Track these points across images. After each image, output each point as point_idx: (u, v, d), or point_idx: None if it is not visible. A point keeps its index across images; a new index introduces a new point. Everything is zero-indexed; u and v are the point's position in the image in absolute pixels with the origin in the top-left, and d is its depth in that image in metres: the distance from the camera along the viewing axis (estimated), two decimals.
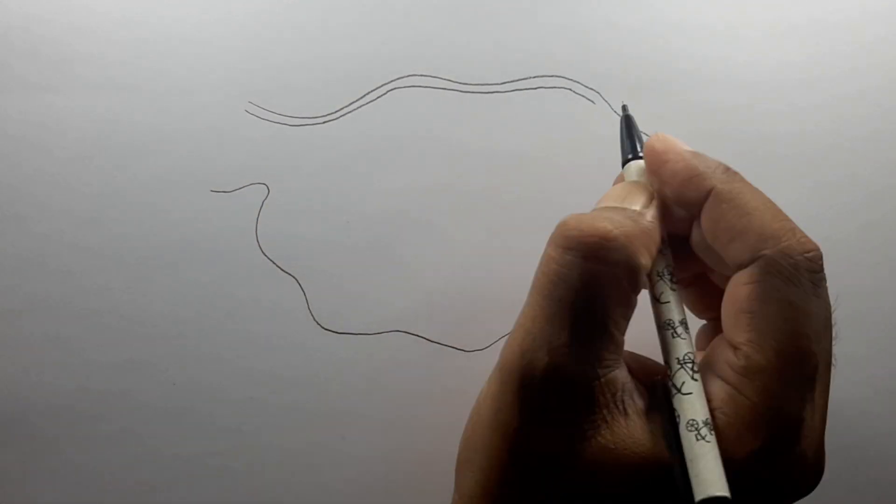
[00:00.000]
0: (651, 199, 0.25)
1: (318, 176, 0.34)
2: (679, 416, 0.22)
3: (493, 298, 0.35)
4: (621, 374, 0.23)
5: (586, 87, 0.35)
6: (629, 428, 0.22)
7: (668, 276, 0.25)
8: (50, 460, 0.34)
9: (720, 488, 0.21)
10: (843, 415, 0.36)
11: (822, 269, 0.23)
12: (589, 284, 0.22)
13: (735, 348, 0.23)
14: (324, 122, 0.34)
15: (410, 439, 0.34)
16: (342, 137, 0.34)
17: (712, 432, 0.22)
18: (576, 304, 0.22)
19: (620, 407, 0.22)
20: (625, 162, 0.28)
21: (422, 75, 0.35)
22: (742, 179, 0.24)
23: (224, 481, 0.34)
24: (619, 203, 0.25)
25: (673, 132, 0.35)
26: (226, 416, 0.34)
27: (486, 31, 0.35)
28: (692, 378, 0.23)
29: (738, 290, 0.23)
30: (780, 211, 0.24)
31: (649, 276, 0.25)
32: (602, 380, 0.22)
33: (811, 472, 0.24)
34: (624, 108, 0.29)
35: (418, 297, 0.35)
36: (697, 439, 0.22)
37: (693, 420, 0.22)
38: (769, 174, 0.35)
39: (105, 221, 0.34)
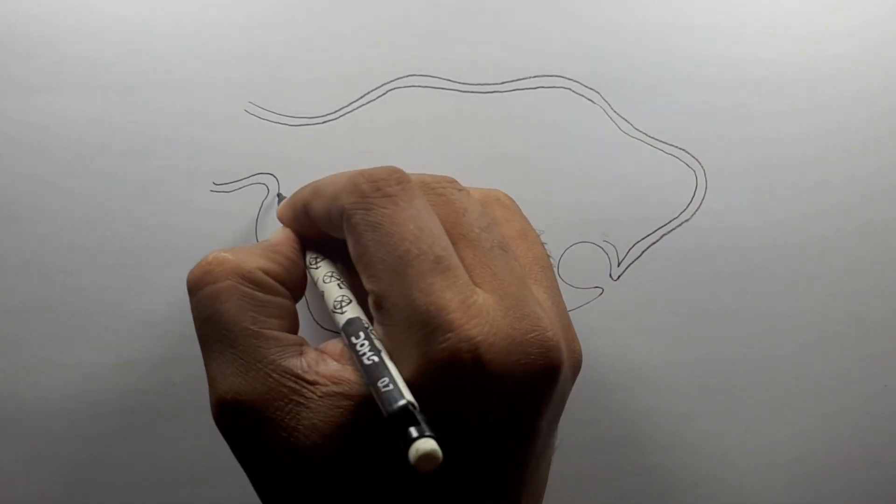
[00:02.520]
0: (282, 229, 0.29)
1: (318, 176, 0.34)
2: (352, 343, 0.23)
3: None
4: (297, 359, 0.24)
5: (586, 86, 0.35)
6: (323, 394, 0.23)
7: (315, 258, 0.27)
8: (49, 460, 0.34)
9: (403, 397, 0.21)
10: (843, 415, 0.36)
11: (397, 182, 0.24)
12: (206, 308, 0.24)
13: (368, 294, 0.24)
14: (324, 122, 0.34)
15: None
16: (342, 137, 0.34)
17: (381, 348, 0.23)
18: (210, 331, 0.24)
19: (311, 379, 0.23)
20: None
21: (422, 75, 0.35)
22: (325, 177, 0.27)
23: (224, 481, 0.34)
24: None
25: (673, 132, 0.35)
26: None
27: (485, 31, 0.35)
28: (342, 310, 0.25)
29: (349, 249, 0.24)
30: (352, 171, 0.25)
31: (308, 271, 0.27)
32: (275, 375, 0.23)
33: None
34: (279, 195, 0.34)
35: None
36: (368, 359, 0.22)
37: (356, 335, 0.23)
38: (769, 174, 0.35)
39: (104, 221, 0.34)
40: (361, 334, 0.23)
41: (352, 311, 0.25)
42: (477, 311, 0.22)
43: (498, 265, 0.24)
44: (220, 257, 0.25)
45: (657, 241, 0.35)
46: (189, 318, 0.34)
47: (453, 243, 0.24)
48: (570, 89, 0.35)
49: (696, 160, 0.35)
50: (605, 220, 0.35)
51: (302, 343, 0.25)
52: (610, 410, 0.35)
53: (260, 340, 0.24)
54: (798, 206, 0.35)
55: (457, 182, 0.26)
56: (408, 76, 0.35)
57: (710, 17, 0.35)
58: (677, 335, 0.35)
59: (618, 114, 0.35)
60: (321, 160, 0.34)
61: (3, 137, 0.33)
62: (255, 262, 0.25)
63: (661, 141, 0.35)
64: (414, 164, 0.35)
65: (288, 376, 0.23)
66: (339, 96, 0.34)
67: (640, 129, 0.35)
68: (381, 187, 0.24)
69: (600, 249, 0.35)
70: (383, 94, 0.35)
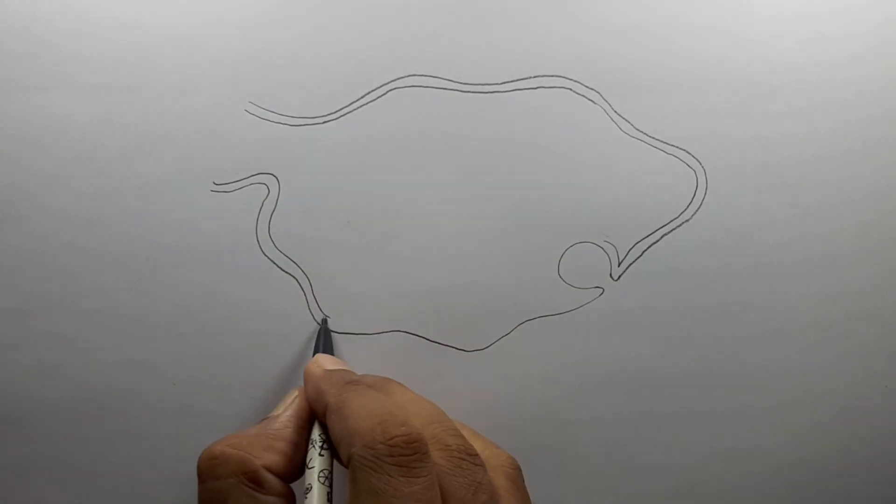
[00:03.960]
0: (292, 400, 0.29)
1: (319, 176, 0.34)
2: None
3: (494, 298, 0.35)
4: None
5: (586, 86, 0.35)
6: None
7: (319, 445, 0.27)
8: (50, 460, 0.34)
9: None
10: (843, 415, 0.36)
11: (413, 451, 0.24)
12: (210, 500, 0.26)
13: None
14: (324, 122, 0.34)
15: None
16: (342, 137, 0.34)
17: None
18: None
19: None
20: None
21: (422, 75, 0.35)
22: (355, 390, 0.27)
23: None
24: (272, 413, 0.29)
25: (673, 132, 0.35)
26: (226, 416, 0.34)
27: (486, 31, 0.35)
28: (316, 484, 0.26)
29: (346, 492, 0.24)
30: (384, 407, 0.25)
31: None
32: None
33: None
34: (323, 321, 0.34)
35: (418, 297, 0.35)
36: None
37: None
38: (769, 174, 0.35)
39: (105, 221, 0.34)
40: None
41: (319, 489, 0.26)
42: None
43: None
44: (227, 454, 0.26)
45: (657, 241, 0.35)
46: (188, 317, 0.34)
47: None
48: (570, 89, 0.35)
49: (697, 160, 0.35)
50: (605, 220, 0.35)
51: None
52: (610, 410, 0.35)
53: None
54: (798, 206, 0.35)
55: (477, 455, 0.26)
56: (408, 76, 0.35)
57: (711, 17, 0.35)
58: (677, 335, 0.35)
59: (618, 114, 0.35)
60: (321, 160, 0.34)
61: (3, 137, 0.33)
62: (260, 457, 0.26)
63: (661, 141, 0.35)
64: (414, 163, 0.35)
65: None
66: (339, 96, 0.34)
67: (641, 130, 0.35)
68: (395, 454, 0.24)
69: (600, 249, 0.35)
70: (383, 94, 0.35)
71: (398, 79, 0.35)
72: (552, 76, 0.35)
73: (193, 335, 0.34)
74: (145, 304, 0.34)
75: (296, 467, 0.27)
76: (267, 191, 0.34)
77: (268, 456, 0.26)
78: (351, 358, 0.34)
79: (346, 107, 0.35)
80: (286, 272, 0.34)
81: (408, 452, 0.24)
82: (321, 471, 0.26)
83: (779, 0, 0.36)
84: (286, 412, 0.29)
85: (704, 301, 0.35)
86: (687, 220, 0.35)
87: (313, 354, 0.32)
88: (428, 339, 0.35)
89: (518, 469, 0.28)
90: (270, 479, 0.26)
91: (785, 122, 0.35)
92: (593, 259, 0.35)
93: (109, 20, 0.34)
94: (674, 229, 0.35)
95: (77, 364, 0.34)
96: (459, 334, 0.35)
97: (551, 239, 0.35)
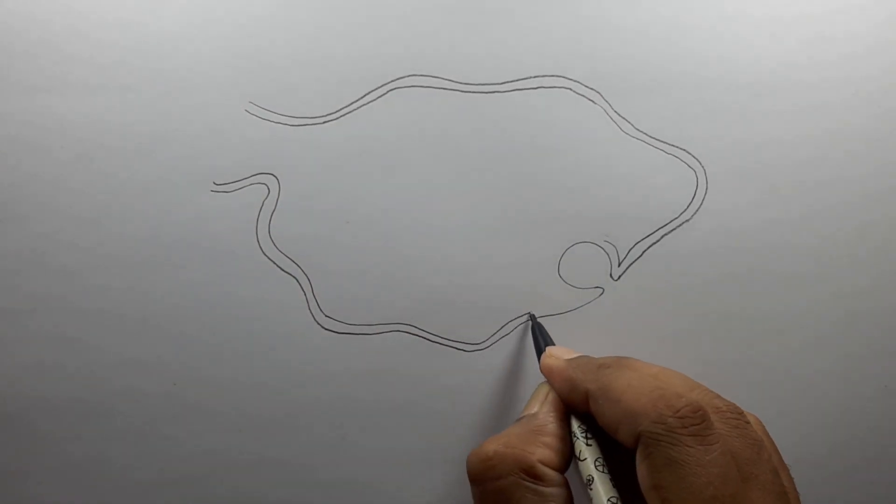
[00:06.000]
0: (545, 396, 0.29)
1: (319, 176, 0.35)
2: None
3: (494, 297, 0.35)
4: None
5: (586, 86, 0.35)
6: None
7: (583, 436, 0.28)
8: (50, 459, 0.34)
9: None
10: (843, 415, 0.36)
11: (701, 419, 0.24)
12: (492, 501, 0.26)
13: None
14: (324, 122, 0.34)
15: (411, 438, 0.34)
16: (342, 137, 0.34)
17: None
18: None
19: None
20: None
21: (422, 75, 0.35)
22: (618, 368, 0.27)
23: (224, 481, 0.34)
24: (525, 412, 0.29)
25: (673, 132, 0.35)
26: (226, 415, 0.34)
27: (486, 31, 0.35)
28: None
29: (639, 470, 0.24)
30: (650, 382, 0.26)
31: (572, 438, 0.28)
32: None
33: None
34: (531, 316, 0.34)
35: (419, 297, 0.35)
36: None
37: None
38: (769, 174, 0.35)
39: (105, 221, 0.34)
40: None
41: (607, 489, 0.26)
42: None
43: None
44: (502, 453, 0.26)
45: (658, 241, 0.35)
46: (189, 317, 0.34)
47: (743, 481, 0.24)
48: (570, 89, 0.35)
49: (697, 160, 0.35)
50: (605, 220, 0.35)
51: None
52: None
53: None
54: (798, 206, 0.35)
55: (744, 413, 0.26)
56: (408, 76, 0.35)
57: (711, 17, 0.35)
58: (677, 335, 0.35)
59: (618, 114, 0.35)
60: (321, 160, 0.34)
61: (3, 137, 0.33)
62: (533, 453, 0.26)
63: (661, 141, 0.35)
64: (414, 163, 0.35)
65: None
66: (339, 96, 0.34)
67: (641, 130, 0.35)
68: (687, 425, 0.24)
69: (601, 249, 0.35)
70: (384, 94, 0.35)
71: (398, 79, 0.35)
72: (552, 76, 0.35)
73: (193, 335, 0.34)
74: (145, 304, 0.34)
75: (565, 459, 0.27)
76: (267, 191, 0.34)
77: (540, 451, 0.27)
78: (351, 358, 0.34)
79: (346, 107, 0.35)
80: (286, 272, 0.34)
81: (697, 421, 0.24)
82: (595, 459, 0.27)
83: (779, 0, 0.36)
84: (544, 408, 0.29)
85: (704, 301, 0.35)
86: (687, 220, 0.35)
87: (536, 348, 0.33)
88: (428, 339, 0.35)
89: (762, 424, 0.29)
90: (548, 471, 0.26)
91: (785, 122, 0.35)
92: (593, 259, 0.35)
93: (109, 20, 0.34)
94: (674, 229, 0.35)
95: (77, 364, 0.34)
96: (459, 333, 0.35)
97: (551, 239, 0.35)
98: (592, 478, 0.26)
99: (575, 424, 0.28)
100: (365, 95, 0.35)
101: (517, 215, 0.35)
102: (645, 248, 0.35)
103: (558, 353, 0.31)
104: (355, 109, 0.35)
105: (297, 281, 0.34)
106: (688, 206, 0.35)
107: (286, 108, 0.34)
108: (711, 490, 0.23)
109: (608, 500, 0.25)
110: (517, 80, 0.35)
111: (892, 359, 0.36)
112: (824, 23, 0.36)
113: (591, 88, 0.35)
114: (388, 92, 0.35)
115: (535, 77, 0.35)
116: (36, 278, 0.34)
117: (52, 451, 0.34)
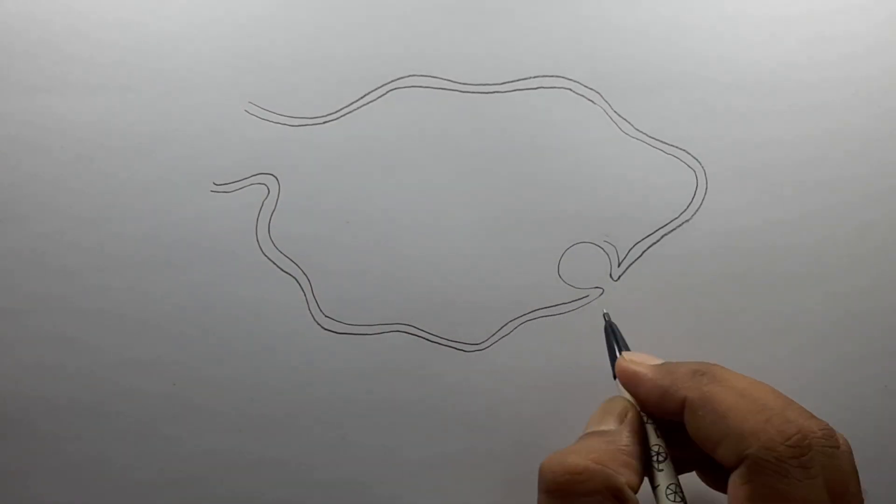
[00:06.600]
0: (625, 413, 0.28)
1: (318, 176, 0.35)
2: None
3: (494, 297, 0.35)
4: None
5: (586, 87, 0.35)
6: None
7: (658, 457, 0.27)
8: (50, 459, 0.34)
9: None
10: (843, 415, 0.36)
11: (807, 449, 0.23)
12: None
13: None
14: (324, 122, 0.34)
15: (411, 438, 0.34)
16: (342, 137, 0.34)
17: None
18: None
19: None
20: (614, 373, 0.30)
21: (422, 75, 0.35)
22: (713, 379, 0.26)
23: (224, 481, 0.34)
24: (596, 426, 0.28)
25: (673, 132, 0.35)
26: (226, 415, 0.34)
27: (486, 31, 0.35)
28: None
29: (736, 491, 0.24)
30: (755, 400, 0.25)
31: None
32: None
33: None
34: (605, 316, 0.32)
35: (418, 297, 0.35)
36: None
37: None
38: (769, 175, 0.35)
39: (105, 221, 0.34)
40: None
41: None
42: None
43: None
44: (592, 470, 0.25)
45: (657, 241, 0.35)
46: (188, 317, 0.34)
47: None
48: (570, 90, 0.35)
49: (697, 160, 0.35)
50: (605, 220, 0.35)
51: None
52: None
53: None
54: (798, 207, 0.35)
55: (835, 436, 0.25)
56: (408, 76, 0.35)
57: (711, 17, 0.35)
58: (677, 335, 0.35)
59: (618, 114, 0.35)
60: (321, 160, 0.34)
61: (3, 137, 0.33)
62: (622, 474, 0.25)
63: (661, 141, 0.35)
64: (414, 163, 0.35)
65: None
66: (339, 96, 0.34)
67: (641, 130, 0.35)
68: (797, 455, 0.23)
69: (600, 249, 0.35)
70: (384, 94, 0.35)
71: (398, 79, 0.35)
72: (552, 76, 0.35)
73: (193, 335, 0.34)
74: (145, 304, 0.34)
75: (641, 482, 0.26)
76: (267, 191, 0.34)
77: (626, 472, 0.25)
78: (351, 358, 0.34)
79: (346, 107, 0.35)
80: (286, 272, 0.34)
81: (804, 452, 0.23)
82: (668, 485, 0.26)
83: (779, 0, 0.36)
84: (626, 427, 0.27)
85: (704, 301, 0.35)
86: (687, 221, 0.35)
87: (609, 353, 0.31)
88: (428, 339, 0.35)
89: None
90: (632, 496, 0.25)
91: (785, 122, 0.35)
92: (593, 259, 0.35)
93: (109, 20, 0.34)
94: (674, 229, 0.35)
95: (77, 364, 0.34)
96: (459, 334, 0.35)
97: (551, 239, 0.35)
98: (674, 494, 0.26)
99: (653, 447, 0.27)
100: (365, 95, 0.35)
101: (517, 215, 0.35)
102: (645, 248, 0.35)
103: (640, 359, 0.29)
104: (355, 110, 0.35)
105: (297, 281, 0.34)
106: (688, 207, 0.35)
107: (286, 109, 0.34)
108: None
109: None
110: (517, 80, 0.35)
111: (892, 359, 0.36)
112: (824, 23, 0.36)
113: (591, 88, 0.35)
114: (387, 92, 0.35)
115: (535, 77, 0.35)
116: (36, 278, 0.34)
117: (52, 451, 0.34)
